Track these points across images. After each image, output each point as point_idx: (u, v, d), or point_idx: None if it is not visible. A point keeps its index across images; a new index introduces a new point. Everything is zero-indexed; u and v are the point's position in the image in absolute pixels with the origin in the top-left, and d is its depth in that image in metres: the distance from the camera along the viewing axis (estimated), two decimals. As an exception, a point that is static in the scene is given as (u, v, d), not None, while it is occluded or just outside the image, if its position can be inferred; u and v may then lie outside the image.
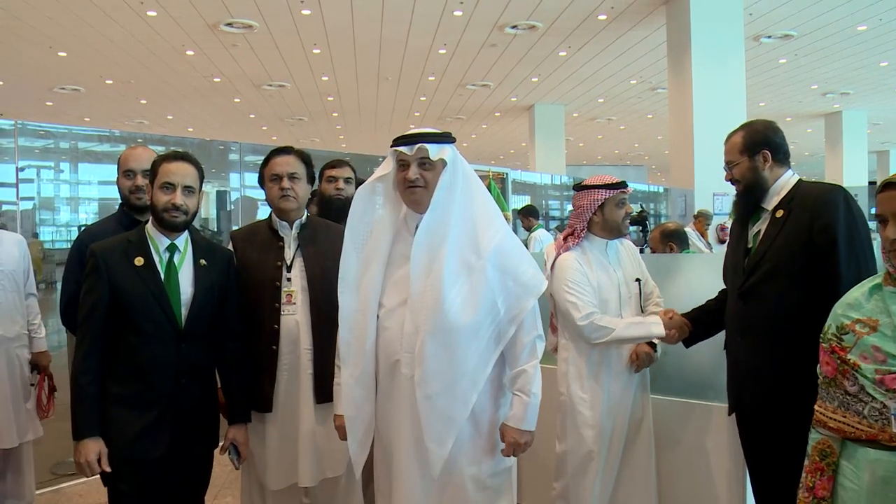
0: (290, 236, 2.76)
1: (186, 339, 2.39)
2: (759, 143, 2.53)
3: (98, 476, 2.36)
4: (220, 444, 2.60)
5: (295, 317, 2.68)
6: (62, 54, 11.60)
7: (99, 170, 6.97)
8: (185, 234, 2.47)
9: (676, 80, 10.52)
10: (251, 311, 2.68)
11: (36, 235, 7.01)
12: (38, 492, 3.97)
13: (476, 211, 2.25)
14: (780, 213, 2.46)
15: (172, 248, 2.43)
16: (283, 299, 2.68)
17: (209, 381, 2.53)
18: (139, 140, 8.36)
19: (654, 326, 2.78)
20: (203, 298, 2.44)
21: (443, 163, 2.22)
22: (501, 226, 2.29)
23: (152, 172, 2.43)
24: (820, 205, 2.37)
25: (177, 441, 2.37)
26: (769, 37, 11.39)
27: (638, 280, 2.96)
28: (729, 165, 2.59)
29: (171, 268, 2.41)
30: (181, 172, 2.40)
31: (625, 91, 15.38)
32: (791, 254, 2.39)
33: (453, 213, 2.20)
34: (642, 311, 2.93)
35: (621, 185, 2.93)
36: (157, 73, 12.92)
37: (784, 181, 2.52)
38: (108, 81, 13.55)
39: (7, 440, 3.43)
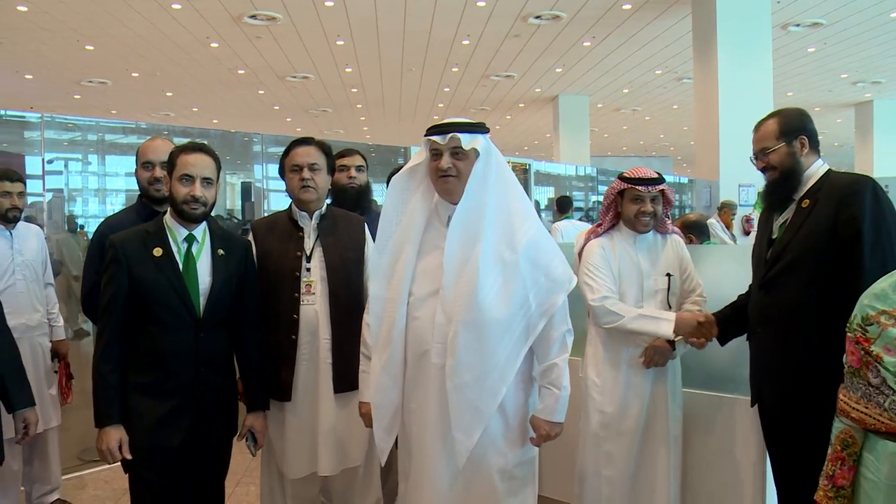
0: (309, 227, 2.78)
1: (204, 328, 2.41)
2: (796, 129, 2.48)
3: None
4: (238, 431, 2.63)
5: (314, 307, 2.69)
6: (89, 48, 11.73)
7: (124, 161, 7.04)
8: (203, 224, 2.49)
9: (702, 69, 10.39)
10: (271, 301, 2.70)
11: (82, 227, 7.07)
12: (64, 477, 4.06)
13: (511, 203, 2.26)
14: (805, 203, 2.43)
15: (191, 239, 2.45)
16: (303, 289, 2.70)
17: (228, 370, 2.55)
18: (164, 133, 8.43)
19: (664, 325, 2.76)
20: (221, 288, 2.45)
21: (475, 153, 2.23)
22: (535, 219, 2.31)
23: (170, 164, 2.44)
24: (847, 195, 2.32)
25: (196, 429, 2.40)
26: (798, 25, 11.19)
27: (669, 275, 2.91)
28: (764, 152, 2.51)
29: (189, 258, 2.43)
30: (200, 164, 2.41)
31: (650, 81, 15.22)
32: (814, 245, 2.35)
33: (487, 203, 2.20)
34: (669, 307, 2.89)
35: (636, 181, 2.87)
36: (182, 66, 13.02)
37: (814, 170, 2.47)
38: (134, 74, 13.68)
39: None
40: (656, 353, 2.83)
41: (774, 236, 2.51)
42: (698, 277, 2.98)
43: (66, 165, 7.40)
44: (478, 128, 2.27)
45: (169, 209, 2.48)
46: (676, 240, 3.01)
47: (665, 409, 2.89)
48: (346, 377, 2.67)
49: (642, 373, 2.86)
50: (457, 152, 2.21)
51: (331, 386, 2.68)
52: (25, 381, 2.45)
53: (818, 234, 2.34)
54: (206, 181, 2.42)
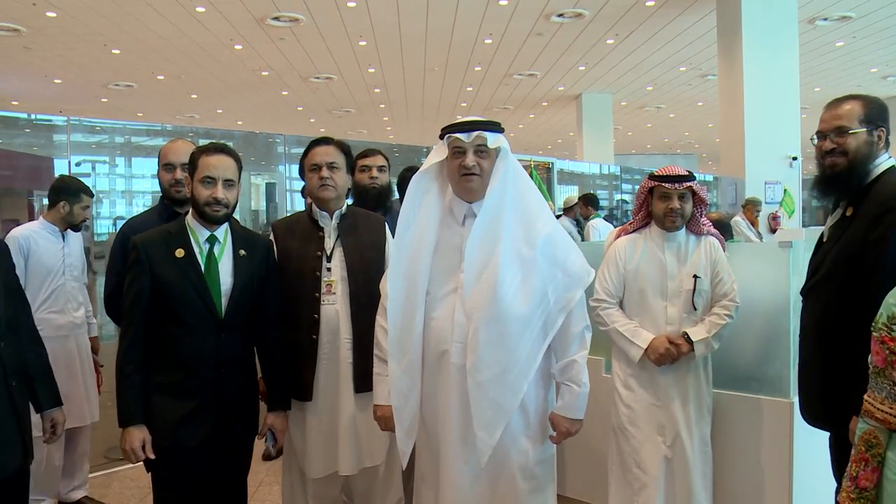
0: (329, 226, 2.78)
1: (226, 328, 2.42)
2: (878, 119, 2.23)
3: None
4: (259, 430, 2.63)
5: (335, 307, 2.69)
6: (116, 52, 11.87)
7: (150, 163, 7.12)
8: (225, 225, 2.50)
9: (727, 66, 10.28)
10: (291, 300, 2.70)
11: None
12: (92, 475, 4.13)
13: (528, 201, 2.29)
14: (849, 212, 2.22)
15: (212, 240, 2.46)
16: (323, 289, 2.70)
17: (249, 370, 2.56)
18: (189, 134, 8.52)
19: (635, 350, 2.86)
20: (242, 288, 2.46)
21: (496, 151, 2.25)
22: (550, 216, 2.32)
23: (192, 165, 2.44)
24: (882, 213, 2.09)
25: (217, 429, 2.41)
26: (825, 19, 11.01)
27: (696, 276, 2.87)
28: (841, 132, 2.21)
29: (211, 259, 2.44)
30: (222, 166, 2.41)
31: (674, 79, 15.08)
32: (843, 264, 2.17)
33: (506, 202, 2.22)
34: (695, 309, 2.87)
35: (663, 179, 2.88)
36: (206, 68, 13.14)
37: (872, 170, 2.22)
38: (159, 77, 13.83)
39: (78, 419, 3.70)
40: (654, 351, 2.84)
41: (825, 239, 2.34)
42: (733, 283, 2.89)
43: (93, 168, 7.50)
44: (498, 127, 2.29)
45: (191, 210, 2.49)
46: (712, 242, 2.95)
47: (690, 408, 2.86)
48: (366, 377, 2.65)
49: (664, 371, 2.85)
50: (481, 150, 2.22)
51: (351, 385, 2.68)
52: (53, 381, 2.47)
53: (847, 254, 2.16)
54: (228, 183, 2.42)
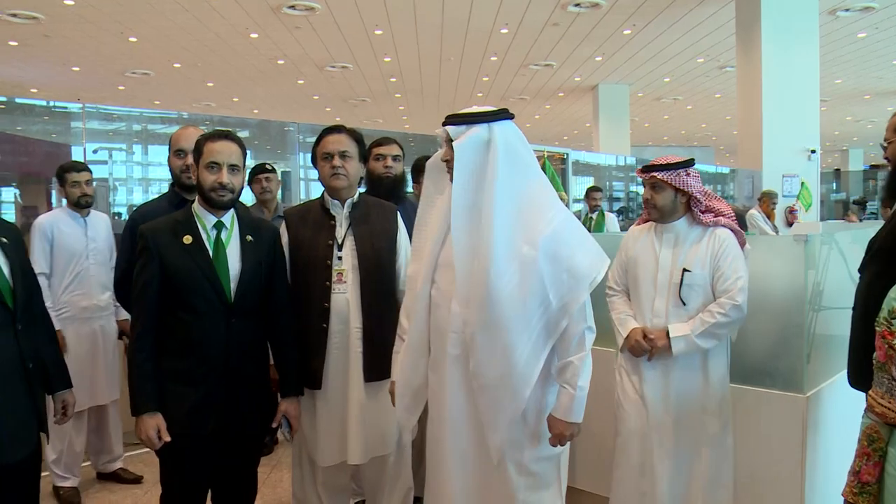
0: (341, 215, 2.78)
1: (236, 314, 2.42)
2: None
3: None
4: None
5: (345, 295, 2.70)
6: (133, 40, 11.91)
7: (165, 151, 7.17)
8: (231, 211, 2.51)
9: (745, 57, 10.19)
10: (302, 289, 2.72)
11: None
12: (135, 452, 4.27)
13: (531, 195, 2.18)
14: None
15: (220, 226, 2.47)
16: (334, 278, 2.70)
17: (260, 357, 2.56)
18: (205, 123, 8.55)
19: (619, 337, 2.82)
20: (251, 274, 2.47)
21: (475, 143, 2.17)
22: (559, 211, 2.20)
23: (196, 151, 2.46)
24: None
25: (228, 416, 2.41)
26: (847, 10, 10.87)
27: (685, 270, 2.72)
28: None
29: (218, 245, 2.45)
30: (226, 151, 2.42)
31: (692, 70, 14.95)
32: (890, 243, 2.33)
33: (490, 197, 2.12)
34: (684, 304, 2.71)
35: (643, 168, 2.82)
36: (222, 57, 13.16)
37: None
38: (176, 65, 13.87)
39: (103, 397, 3.91)
40: (633, 343, 2.76)
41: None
42: (737, 279, 2.67)
43: (109, 155, 7.55)
44: (470, 118, 2.19)
45: (197, 197, 2.50)
46: (719, 235, 2.74)
47: (672, 408, 2.74)
48: (376, 366, 2.67)
49: (651, 365, 2.77)
50: (451, 142, 2.20)
51: (361, 374, 2.69)
52: (63, 364, 2.51)
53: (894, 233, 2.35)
54: (233, 168, 2.44)
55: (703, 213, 2.78)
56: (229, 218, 2.50)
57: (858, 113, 20.44)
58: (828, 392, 2.99)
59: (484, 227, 2.12)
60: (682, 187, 2.74)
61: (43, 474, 3.80)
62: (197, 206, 2.48)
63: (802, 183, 9.96)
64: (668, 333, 2.68)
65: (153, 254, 2.38)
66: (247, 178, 4.70)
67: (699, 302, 2.72)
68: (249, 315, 2.47)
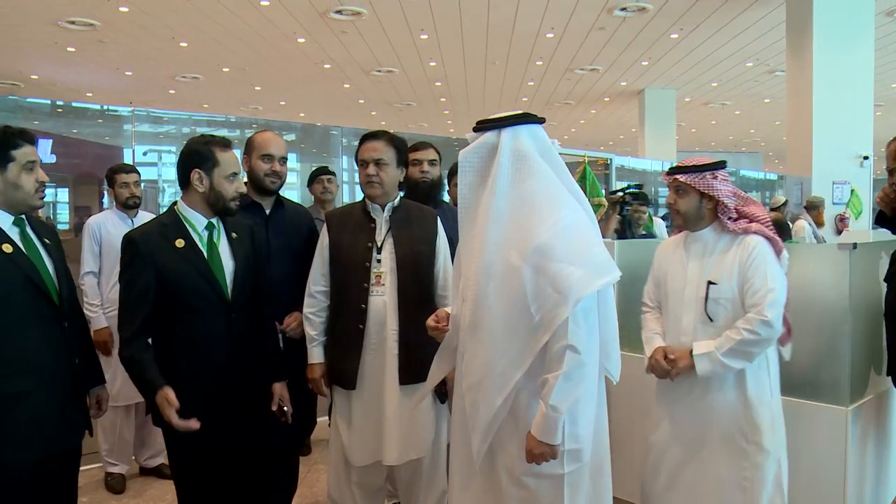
0: (381, 218, 2.81)
1: (234, 310, 2.47)
2: None
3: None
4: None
5: (383, 298, 2.73)
6: (183, 45, 12.18)
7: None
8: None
9: (795, 61, 9.96)
10: (341, 290, 2.76)
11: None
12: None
13: (532, 201, 2.11)
14: None
15: (211, 227, 2.52)
16: (372, 280, 2.74)
17: (260, 352, 2.60)
18: (252, 126, 8.71)
19: (647, 357, 2.64)
20: (244, 269, 2.53)
21: (486, 150, 2.20)
22: (563, 217, 2.09)
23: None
24: None
25: (235, 412, 2.47)
26: (904, 12, 10.60)
27: (710, 283, 2.53)
28: None
29: (212, 245, 2.50)
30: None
31: (740, 74, 14.70)
32: None
33: (487, 203, 2.13)
34: (710, 319, 2.52)
35: (668, 171, 2.67)
36: (270, 61, 13.37)
37: None
38: (224, 69, 14.13)
39: (129, 397, 3.89)
40: (654, 364, 2.59)
41: None
42: (769, 292, 2.42)
43: (159, 157, 7.73)
44: (489, 124, 2.20)
45: (180, 199, 2.54)
46: (748, 242, 2.52)
47: (730, 428, 2.52)
48: (411, 369, 2.70)
49: (687, 385, 2.57)
50: None
51: (397, 376, 2.72)
52: (97, 360, 2.58)
53: None
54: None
55: (733, 220, 2.57)
56: (216, 218, 2.55)
57: (915, 118, 19.87)
58: (875, 404, 2.92)
59: (478, 230, 2.14)
60: (707, 192, 2.56)
61: (96, 465, 4.03)
62: (183, 209, 2.52)
63: (853, 190, 9.70)
64: (691, 352, 2.49)
65: (146, 260, 2.38)
66: (308, 179, 4.85)
67: (728, 317, 2.50)
68: (245, 310, 2.52)
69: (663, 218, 9.06)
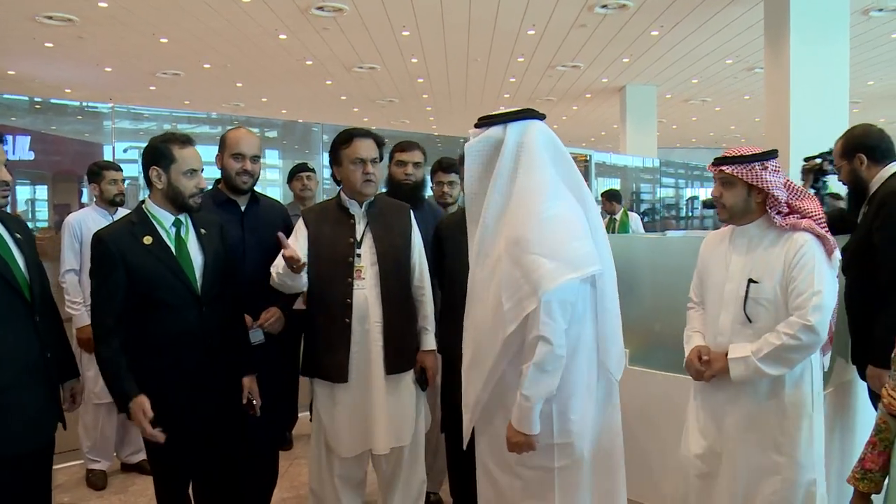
0: (359, 213, 2.85)
1: (205, 303, 2.50)
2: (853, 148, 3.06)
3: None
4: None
5: (364, 291, 2.77)
6: (164, 41, 12.08)
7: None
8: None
9: (773, 58, 10.06)
10: (324, 285, 2.79)
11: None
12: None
13: (523, 195, 2.14)
14: (865, 209, 2.89)
15: (178, 223, 2.55)
16: (354, 274, 2.77)
17: (234, 348, 2.64)
18: (234, 122, 8.69)
19: (686, 350, 2.52)
20: (213, 263, 2.56)
21: (484, 145, 2.26)
22: (539, 212, 2.09)
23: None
24: (881, 205, 2.74)
25: (210, 406, 2.52)
26: (880, 10, 10.70)
27: (751, 281, 2.37)
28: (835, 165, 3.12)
29: (180, 241, 2.53)
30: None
31: (720, 71, 14.81)
32: (857, 249, 2.80)
33: (486, 194, 2.20)
34: (749, 320, 2.37)
35: (714, 161, 2.50)
36: (251, 57, 13.30)
37: (875, 180, 2.91)
38: (205, 66, 14.03)
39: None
40: (688, 364, 2.49)
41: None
42: (814, 295, 2.24)
43: (139, 154, 7.67)
44: (493, 119, 2.25)
45: (147, 197, 2.57)
46: (796, 240, 2.33)
47: (763, 439, 2.37)
48: (396, 359, 2.77)
49: (722, 389, 2.43)
50: None
51: (382, 367, 2.76)
52: (71, 354, 2.60)
53: (862, 242, 2.80)
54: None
55: (783, 215, 2.39)
56: (184, 215, 2.58)
57: (892, 115, 20.10)
58: (839, 393, 3.02)
59: (474, 224, 2.24)
60: (755, 183, 2.36)
61: (77, 462, 4.05)
62: (151, 207, 2.54)
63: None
64: (727, 354, 2.36)
65: (116, 259, 2.41)
66: (288, 176, 4.87)
67: (769, 320, 2.34)
68: (216, 302, 2.55)
69: (643, 214, 9.12)
